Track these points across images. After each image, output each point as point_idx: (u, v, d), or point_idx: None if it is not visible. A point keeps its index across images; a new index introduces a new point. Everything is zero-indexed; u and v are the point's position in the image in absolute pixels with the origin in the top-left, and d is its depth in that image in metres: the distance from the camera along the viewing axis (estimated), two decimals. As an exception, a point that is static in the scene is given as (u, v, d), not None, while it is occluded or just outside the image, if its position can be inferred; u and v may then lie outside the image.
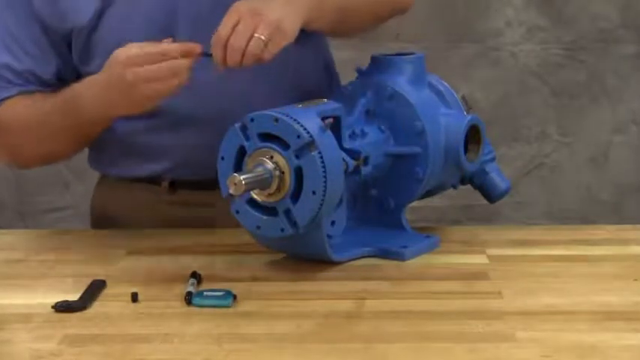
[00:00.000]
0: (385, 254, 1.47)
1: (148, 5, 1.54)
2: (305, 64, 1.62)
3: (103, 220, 1.71)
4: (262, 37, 1.36)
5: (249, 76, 1.47)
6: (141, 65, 1.40)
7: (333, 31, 1.57)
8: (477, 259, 1.47)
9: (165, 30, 1.51)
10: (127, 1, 1.53)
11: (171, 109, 1.55)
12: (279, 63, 1.44)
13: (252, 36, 1.36)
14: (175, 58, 1.40)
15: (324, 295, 1.35)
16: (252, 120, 1.38)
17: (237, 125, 1.39)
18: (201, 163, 1.45)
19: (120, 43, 1.47)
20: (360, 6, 1.55)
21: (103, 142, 1.61)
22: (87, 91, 1.48)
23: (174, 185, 1.64)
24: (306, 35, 1.47)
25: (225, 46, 1.37)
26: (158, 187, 1.64)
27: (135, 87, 1.40)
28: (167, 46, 1.41)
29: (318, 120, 1.37)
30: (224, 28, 1.38)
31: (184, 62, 1.40)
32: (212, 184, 1.43)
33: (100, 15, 1.54)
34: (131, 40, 1.47)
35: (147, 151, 1.58)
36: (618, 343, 1.18)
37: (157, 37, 1.47)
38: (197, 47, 1.41)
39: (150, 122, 1.56)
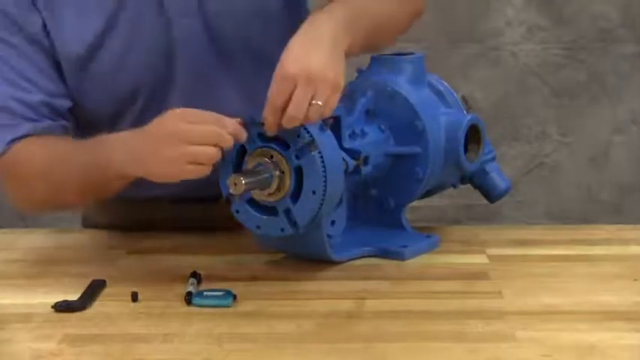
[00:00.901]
0: (385, 254, 1.47)
1: (147, 34, 1.51)
2: None
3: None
4: (320, 103, 1.31)
5: (255, 102, 1.47)
6: (190, 143, 1.31)
7: (357, 53, 1.51)
8: (477, 259, 1.47)
9: (164, 58, 1.51)
10: (127, 29, 1.50)
11: None
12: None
13: (310, 103, 1.31)
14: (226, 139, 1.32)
15: (324, 295, 1.35)
16: (252, 120, 1.38)
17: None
18: (202, 185, 1.43)
19: (119, 71, 1.47)
20: (385, 25, 1.51)
21: None
22: (120, 147, 1.39)
23: (174, 202, 1.63)
24: None
25: (281, 114, 1.31)
26: (158, 204, 1.63)
27: (174, 162, 1.32)
28: (226, 118, 1.33)
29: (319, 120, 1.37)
30: (280, 97, 1.31)
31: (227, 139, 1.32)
32: (213, 199, 1.42)
33: (100, 43, 1.50)
34: (130, 69, 1.48)
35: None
36: (618, 342, 1.18)
37: (157, 65, 1.49)
38: (244, 135, 1.34)
39: None
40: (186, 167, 1.32)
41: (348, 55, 1.40)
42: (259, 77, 1.39)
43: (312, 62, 1.32)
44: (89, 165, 1.42)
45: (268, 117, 1.33)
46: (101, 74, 1.52)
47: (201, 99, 1.51)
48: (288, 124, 1.32)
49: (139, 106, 1.54)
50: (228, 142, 1.32)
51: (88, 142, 1.44)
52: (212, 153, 1.32)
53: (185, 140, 1.31)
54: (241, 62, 1.55)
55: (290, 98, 1.31)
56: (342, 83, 1.35)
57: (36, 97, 1.49)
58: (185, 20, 1.51)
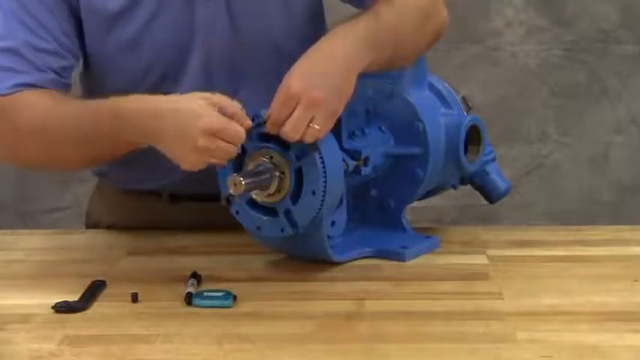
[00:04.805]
0: (385, 255, 1.47)
1: (172, 13, 1.51)
2: None
3: (99, 227, 1.70)
4: (317, 127, 1.33)
5: (254, 98, 1.47)
6: (217, 138, 1.32)
7: (378, 70, 1.48)
8: (477, 260, 1.47)
9: (184, 41, 1.51)
10: (153, 3, 1.51)
11: None
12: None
13: (308, 126, 1.33)
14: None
15: (324, 295, 1.35)
16: (252, 120, 1.38)
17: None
18: (201, 180, 1.44)
19: (140, 43, 1.49)
20: (408, 42, 1.47)
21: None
22: (138, 123, 1.38)
23: (174, 197, 1.63)
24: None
25: (280, 126, 1.33)
26: (158, 198, 1.63)
27: (200, 154, 1.33)
28: (239, 113, 1.34)
29: (319, 120, 1.37)
30: (280, 114, 1.33)
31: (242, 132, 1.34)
32: (213, 197, 1.42)
33: (126, 10, 1.50)
34: (150, 43, 1.49)
35: (149, 166, 1.54)
36: (618, 343, 1.18)
37: (175, 45, 1.50)
38: (249, 123, 1.35)
39: None
40: (206, 159, 1.34)
41: (368, 71, 1.40)
42: (278, 73, 1.39)
43: (318, 86, 1.34)
44: (97, 130, 1.41)
45: (269, 126, 1.35)
46: (123, 42, 1.51)
47: (212, 88, 1.52)
48: (284, 137, 1.34)
49: (149, 83, 1.53)
50: (243, 140, 1.34)
51: (96, 106, 1.42)
52: (233, 151, 1.34)
53: (219, 136, 1.32)
54: (261, 55, 1.54)
55: (290, 114, 1.33)
56: (341, 110, 1.36)
57: (48, 46, 1.49)
58: (209, 4, 1.51)
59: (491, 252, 1.50)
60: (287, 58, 1.40)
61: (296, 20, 1.55)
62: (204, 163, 1.35)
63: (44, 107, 1.45)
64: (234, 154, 1.35)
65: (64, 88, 1.51)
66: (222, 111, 1.33)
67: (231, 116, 1.33)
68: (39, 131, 1.44)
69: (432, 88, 1.54)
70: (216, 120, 1.32)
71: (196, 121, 1.32)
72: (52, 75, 1.49)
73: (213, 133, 1.32)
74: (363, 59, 1.39)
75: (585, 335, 1.20)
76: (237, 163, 1.39)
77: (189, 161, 1.35)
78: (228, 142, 1.33)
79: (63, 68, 1.51)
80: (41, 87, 1.48)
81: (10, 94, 1.46)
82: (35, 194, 2.82)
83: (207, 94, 1.35)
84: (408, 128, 1.48)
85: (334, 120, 1.36)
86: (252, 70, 1.54)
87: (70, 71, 1.53)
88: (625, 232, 1.60)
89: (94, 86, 1.58)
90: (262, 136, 1.37)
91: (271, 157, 1.36)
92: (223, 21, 1.52)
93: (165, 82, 1.53)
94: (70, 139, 1.43)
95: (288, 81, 1.34)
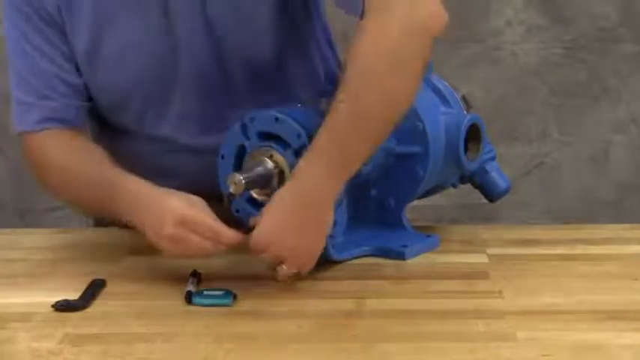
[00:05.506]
0: (386, 254, 1.47)
1: (149, 34, 1.51)
2: (305, 90, 1.60)
3: (100, 226, 1.71)
4: (293, 270, 1.34)
5: (251, 105, 1.46)
6: (189, 232, 1.33)
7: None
8: (478, 259, 1.47)
9: (167, 58, 1.51)
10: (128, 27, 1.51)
11: (174, 138, 1.56)
12: (280, 91, 1.47)
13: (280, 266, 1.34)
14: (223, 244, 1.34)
15: (325, 294, 1.35)
16: (252, 119, 1.38)
17: (237, 124, 1.39)
18: (207, 183, 1.43)
19: (120, 66, 1.50)
20: (402, 98, 1.35)
21: (113, 159, 1.58)
22: (128, 208, 1.42)
23: None
24: (305, 65, 1.51)
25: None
26: None
27: (166, 248, 1.36)
28: (225, 232, 1.33)
29: (318, 119, 1.37)
30: (254, 251, 1.33)
31: (221, 248, 1.34)
32: (212, 197, 1.42)
33: (98, 39, 1.52)
34: (130, 65, 1.50)
35: (155, 171, 1.52)
36: (619, 342, 1.18)
37: (158, 63, 1.50)
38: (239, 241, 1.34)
39: (157, 146, 1.58)
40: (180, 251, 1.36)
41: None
42: (276, 85, 1.38)
43: (285, 241, 1.32)
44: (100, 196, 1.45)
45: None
46: (104, 66, 1.53)
47: (208, 106, 1.52)
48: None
49: (138, 101, 1.55)
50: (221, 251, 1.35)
51: (106, 178, 1.46)
52: (206, 246, 1.34)
53: (189, 227, 1.33)
54: (251, 70, 1.53)
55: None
56: (317, 254, 1.35)
57: (52, 71, 1.52)
58: (186, 24, 1.51)
59: (491, 251, 1.50)
60: (279, 69, 1.39)
61: (279, 32, 1.53)
62: (180, 254, 1.35)
63: (67, 154, 1.51)
64: (209, 251, 1.34)
65: (78, 109, 1.55)
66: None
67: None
68: (61, 175, 1.52)
69: (432, 87, 1.54)
70: (187, 211, 1.33)
71: (169, 210, 1.34)
72: (63, 100, 1.53)
73: (184, 223, 1.32)
74: (336, 186, 1.34)
75: (585, 334, 1.20)
76: (237, 162, 1.39)
77: (164, 249, 1.36)
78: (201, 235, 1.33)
79: (72, 87, 1.54)
80: (67, 120, 1.53)
81: (40, 130, 1.52)
82: (35, 193, 2.82)
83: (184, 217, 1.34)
84: (409, 127, 1.48)
85: (312, 262, 1.35)
86: (245, 87, 1.54)
87: (83, 87, 1.56)
88: (625, 230, 1.60)
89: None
90: (262, 135, 1.37)
91: (271, 156, 1.36)
92: (203, 37, 1.51)
93: (154, 98, 1.54)
94: (78, 193, 1.50)
95: (256, 234, 1.32)
